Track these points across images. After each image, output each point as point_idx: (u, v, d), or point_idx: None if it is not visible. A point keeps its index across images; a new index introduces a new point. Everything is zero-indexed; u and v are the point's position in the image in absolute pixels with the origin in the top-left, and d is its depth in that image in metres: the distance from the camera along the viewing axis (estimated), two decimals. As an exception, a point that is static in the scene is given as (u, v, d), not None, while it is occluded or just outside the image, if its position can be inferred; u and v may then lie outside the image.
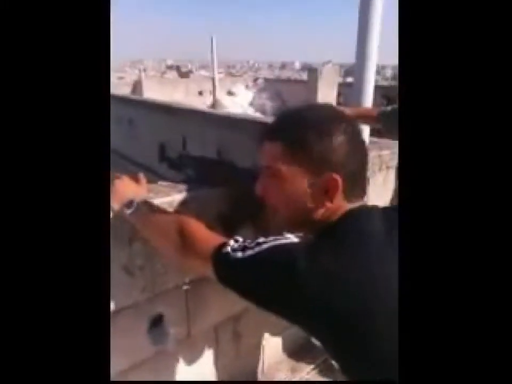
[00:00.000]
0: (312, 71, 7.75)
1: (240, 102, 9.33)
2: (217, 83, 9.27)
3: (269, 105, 8.98)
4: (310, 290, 0.51)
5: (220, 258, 0.60)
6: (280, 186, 0.62)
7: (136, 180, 0.87)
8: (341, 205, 0.61)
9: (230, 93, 10.29)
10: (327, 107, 0.68)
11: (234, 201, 0.99)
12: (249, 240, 0.60)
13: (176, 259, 0.78)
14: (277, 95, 9.56)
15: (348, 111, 1.05)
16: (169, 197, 0.94)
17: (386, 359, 0.50)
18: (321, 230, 0.61)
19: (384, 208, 0.66)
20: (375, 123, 1.31)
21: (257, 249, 0.57)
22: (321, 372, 1.48)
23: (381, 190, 1.70)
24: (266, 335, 1.34)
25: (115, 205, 0.79)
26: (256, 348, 1.33)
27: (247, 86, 11.21)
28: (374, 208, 0.64)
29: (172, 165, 1.11)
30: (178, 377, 1.09)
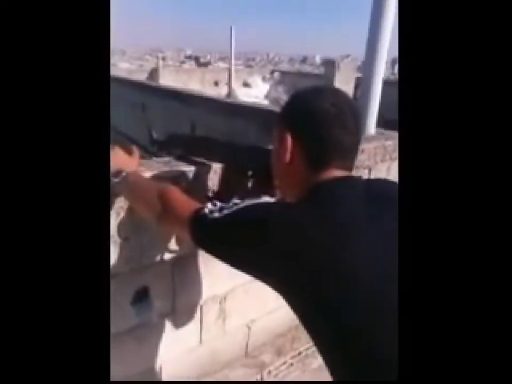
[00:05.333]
0: (330, 65, 7.67)
1: (256, 93, 9.31)
2: (233, 74, 9.26)
3: (284, 98, 8.97)
4: (280, 244, 0.54)
5: (197, 220, 0.62)
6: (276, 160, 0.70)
7: (129, 152, 0.90)
8: (314, 174, 0.64)
9: (245, 84, 10.27)
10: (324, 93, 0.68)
11: (221, 175, 1.01)
12: (227, 204, 0.62)
13: (158, 225, 0.80)
14: (293, 88, 9.51)
15: None
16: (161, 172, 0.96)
17: (343, 316, 0.53)
18: (298, 194, 0.65)
19: (370, 181, 0.69)
20: None
21: (234, 208, 0.60)
22: (306, 357, 1.50)
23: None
24: (253, 317, 1.36)
25: None
26: (242, 328, 1.35)
27: (263, 78, 11.16)
28: (353, 179, 0.65)
29: (160, 146, 1.13)
30: (162, 348, 1.13)
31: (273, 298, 1.40)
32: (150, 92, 4.70)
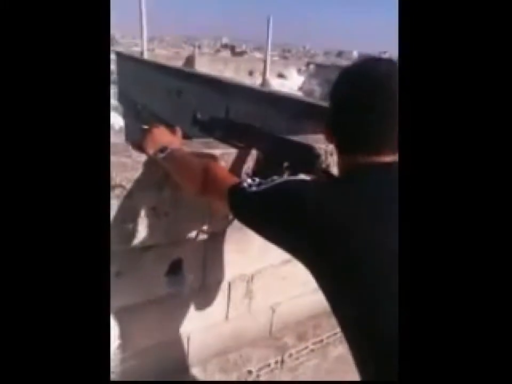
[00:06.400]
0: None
1: (290, 85, 9.24)
2: (268, 64, 9.22)
3: (317, 90, 8.84)
4: (312, 218, 0.57)
5: (236, 192, 0.67)
6: None
7: (173, 132, 0.94)
8: (352, 158, 0.66)
9: (280, 75, 10.22)
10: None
11: (258, 161, 1.03)
12: (266, 180, 0.66)
13: (200, 196, 0.85)
14: (327, 81, 9.37)
15: None
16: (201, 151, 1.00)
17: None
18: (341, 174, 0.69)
19: None
20: None
21: (271, 183, 0.63)
22: (327, 345, 1.52)
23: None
24: (277, 300, 1.40)
25: (150, 150, 0.88)
26: (267, 309, 1.39)
27: (299, 70, 11.06)
28: (387, 166, 0.64)
29: (202, 127, 1.15)
30: (188, 321, 1.18)
31: (298, 284, 1.42)
32: (186, 78, 4.79)
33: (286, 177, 0.65)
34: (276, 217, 0.62)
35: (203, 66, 8.83)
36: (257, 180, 0.66)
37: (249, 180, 0.67)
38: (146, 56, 8.84)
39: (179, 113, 4.76)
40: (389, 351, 0.54)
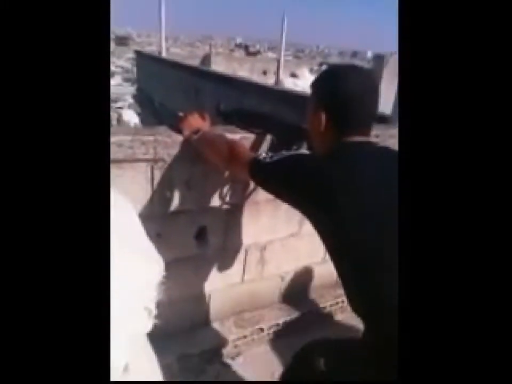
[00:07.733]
0: (379, 60, 7.59)
1: (302, 84, 9.42)
2: (282, 64, 9.41)
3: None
4: (312, 178, 0.77)
5: (254, 163, 0.88)
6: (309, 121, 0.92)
7: (203, 117, 1.17)
8: (340, 138, 0.85)
9: (293, 75, 10.40)
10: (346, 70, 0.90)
11: (272, 144, 1.24)
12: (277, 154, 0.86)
13: (225, 167, 1.08)
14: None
15: None
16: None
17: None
18: (326, 150, 0.87)
19: (383, 147, 0.89)
20: None
21: (281, 156, 0.84)
22: (329, 312, 1.72)
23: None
24: (286, 269, 1.60)
25: (186, 131, 1.10)
26: (277, 277, 1.60)
27: (311, 70, 11.22)
28: (369, 143, 0.86)
29: (225, 117, 1.37)
30: (210, 281, 1.40)
31: (305, 256, 1.63)
32: (203, 76, 5.03)
33: (292, 152, 0.86)
34: (285, 180, 0.83)
35: (219, 65, 9.10)
36: (270, 153, 0.87)
37: (264, 154, 0.88)
38: (164, 55, 9.13)
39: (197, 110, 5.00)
40: (381, 307, 0.70)
